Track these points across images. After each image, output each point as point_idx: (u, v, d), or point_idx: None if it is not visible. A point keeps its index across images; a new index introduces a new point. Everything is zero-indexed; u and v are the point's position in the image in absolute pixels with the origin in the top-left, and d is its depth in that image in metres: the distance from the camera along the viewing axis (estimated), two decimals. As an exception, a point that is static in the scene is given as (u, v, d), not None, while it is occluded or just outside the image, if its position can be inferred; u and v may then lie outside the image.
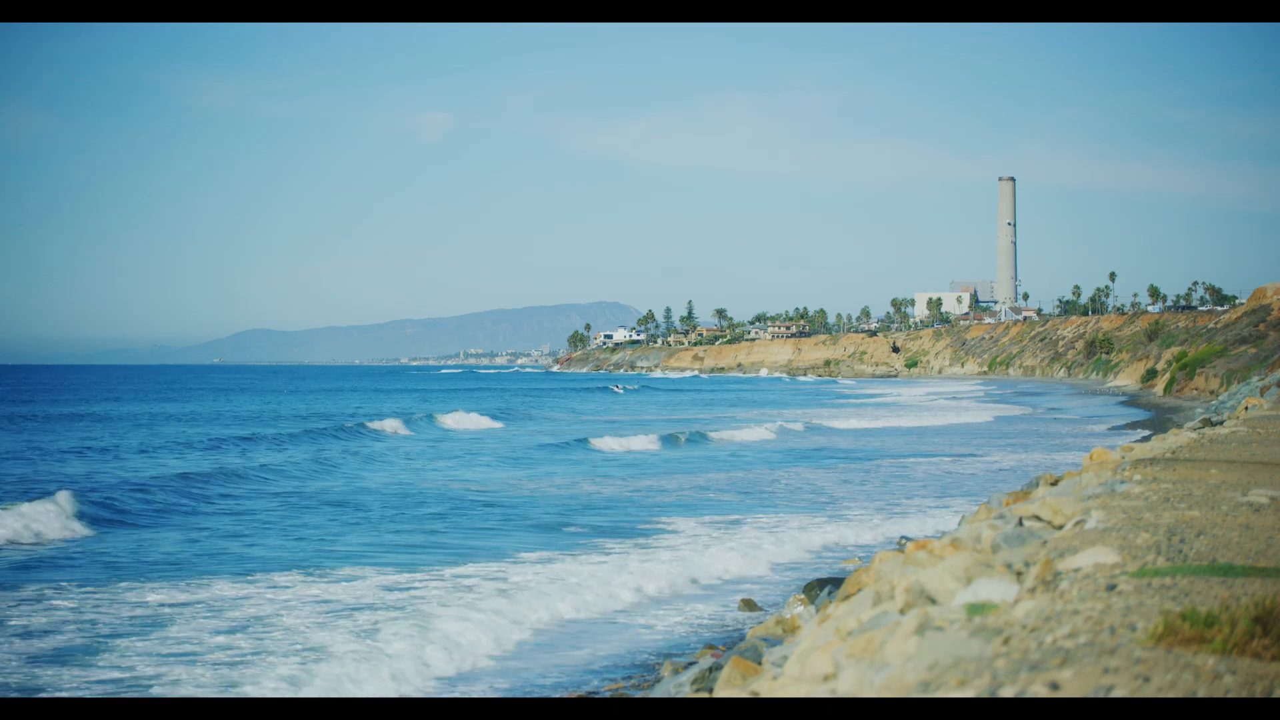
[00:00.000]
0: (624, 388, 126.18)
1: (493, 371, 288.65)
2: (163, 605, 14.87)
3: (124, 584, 16.31)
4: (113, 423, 59.13)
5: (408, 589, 15.78)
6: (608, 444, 43.10)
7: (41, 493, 23.67)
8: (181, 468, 33.09)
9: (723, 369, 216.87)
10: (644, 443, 44.16)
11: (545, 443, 44.42)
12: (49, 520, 21.20)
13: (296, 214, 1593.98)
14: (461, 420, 57.90)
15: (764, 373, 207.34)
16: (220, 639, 13.13)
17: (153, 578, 16.79)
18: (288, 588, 16.00)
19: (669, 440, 45.25)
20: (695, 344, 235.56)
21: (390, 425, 52.11)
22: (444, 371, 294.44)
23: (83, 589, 15.98)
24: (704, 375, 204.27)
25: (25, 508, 21.40)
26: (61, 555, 19.10)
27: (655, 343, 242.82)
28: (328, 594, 15.52)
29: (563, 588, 15.68)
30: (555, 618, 14.51)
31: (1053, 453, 39.05)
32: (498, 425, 57.47)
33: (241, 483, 29.80)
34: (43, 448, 41.30)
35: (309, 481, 30.65)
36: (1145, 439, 29.80)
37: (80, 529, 21.43)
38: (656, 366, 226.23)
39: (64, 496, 22.51)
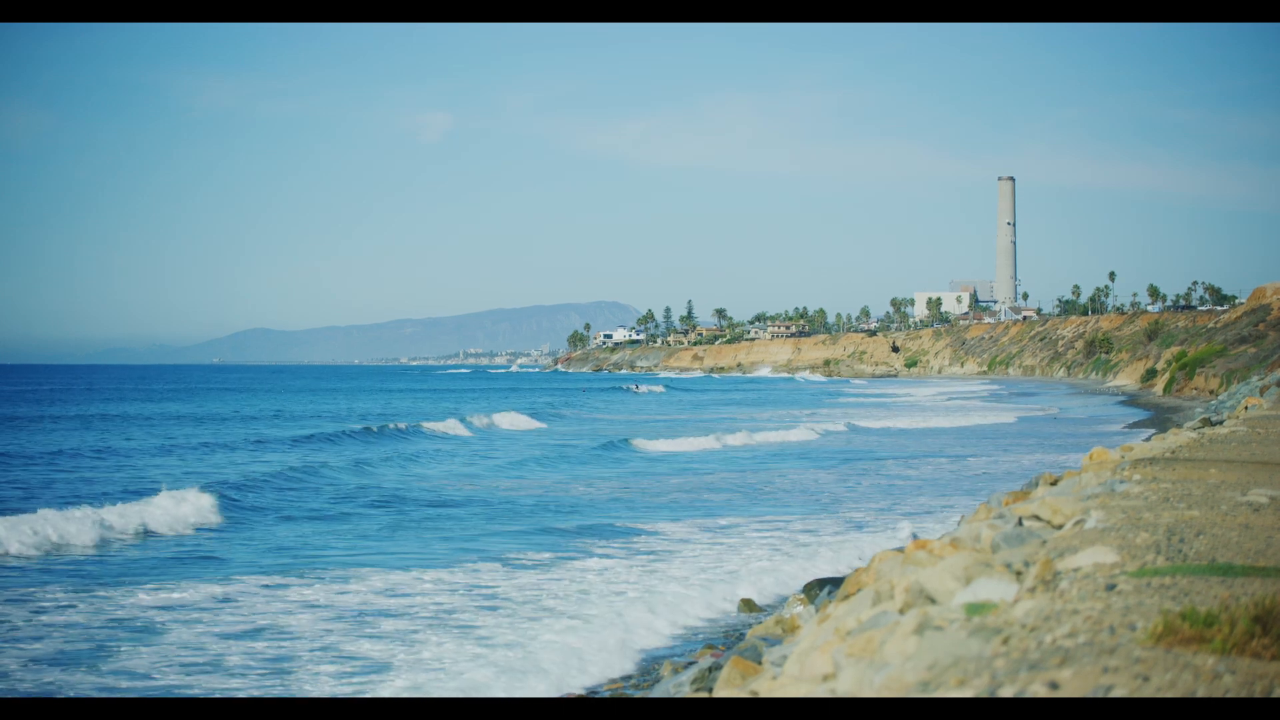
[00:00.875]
0: (644, 388, 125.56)
1: (502, 371, 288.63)
2: (367, 596, 15.58)
3: (296, 574, 17.01)
4: (166, 423, 59.59)
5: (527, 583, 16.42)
6: (658, 445, 43.29)
7: (163, 489, 24.53)
8: (276, 465, 33.86)
9: (723, 368, 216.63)
10: (693, 444, 44.29)
11: (594, 444, 44.37)
12: (188, 513, 22.55)
13: (296, 214, 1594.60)
14: (515, 421, 59.09)
15: (765, 371, 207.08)
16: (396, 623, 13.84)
17: (319, 567, 17.64)
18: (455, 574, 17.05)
19: (716, 440, 45.39)
20: (695, 344, 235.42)
21: (450, 426, 52.80)
22: (452, 371, 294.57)
23: (267, 576, 16.76)
24: (716, 375, 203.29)
25: (163, 501, 22.75)
26: (218, 545, 20.28)
27: (655, 342, 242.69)
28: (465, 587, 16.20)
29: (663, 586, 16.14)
30: (679, 621, 14.68)
31: (1083, 453, 39.28)
32: (542, 425, 58.69)
33: (345, 478, 31.07)
34: (114, 447, 42.17)
35: (401, 479, 31.52)
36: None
37: (217, 520, 22.70)
38: (656, 366, 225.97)
39: (194, 491, 23.90)
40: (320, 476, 31.08)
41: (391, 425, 51.50)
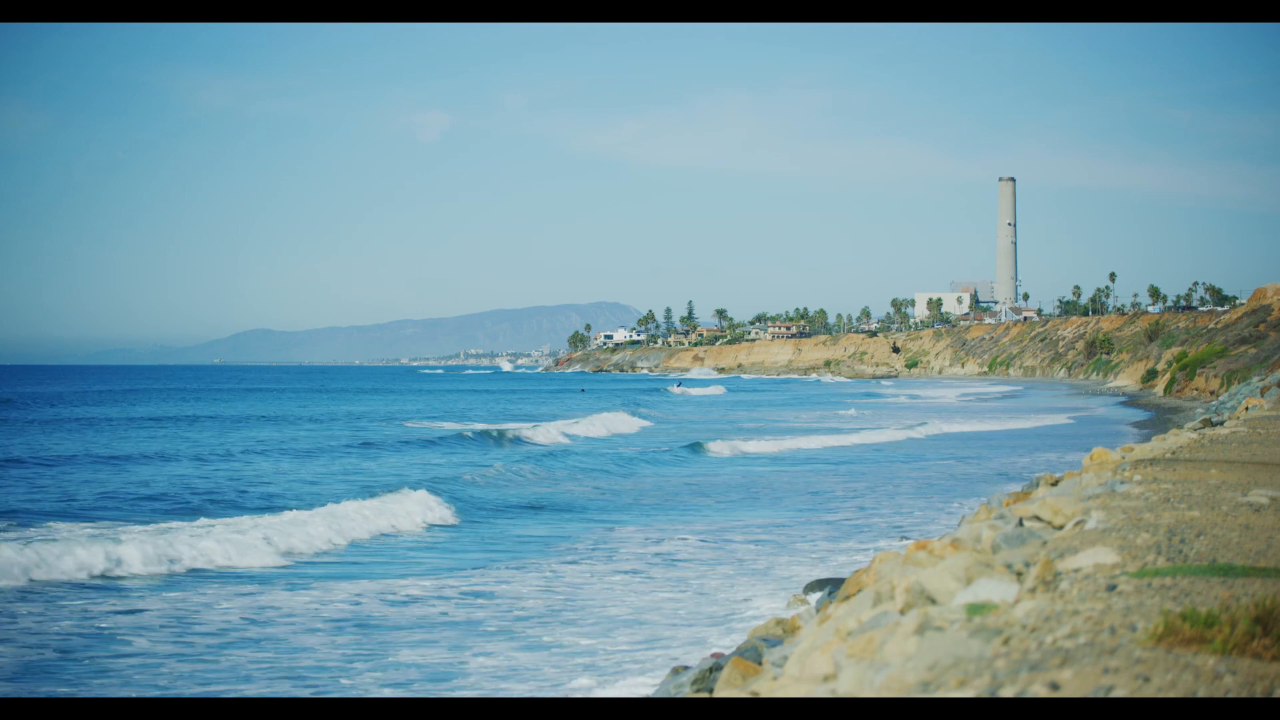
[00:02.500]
0: (686, 390, 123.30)
1: (524, 371, 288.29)
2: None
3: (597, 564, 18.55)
4: (261, 424, 59.83)
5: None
6: (756, 446, 44.01)
7: (392, 488, 25.60)
8: (460, 467, 34.29)
9: (723, 369, 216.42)
10: (811, 442, 45.60)
11: (688, 440, 45.39)
12: (426, 511, 23.63)
13: (296, 214, 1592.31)
14: (626, 422, 60.45)
15: (755, 375, 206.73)
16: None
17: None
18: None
19: (823, 440, 46.74)
20: (695, 344, 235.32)
21: (586, 427, 54.05)
22: (471, 371, 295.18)
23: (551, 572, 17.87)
24: (746, 376, 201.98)
25: (395, 502, 23.78)
26: (467, 539, 21.62)
27: (655, 343, 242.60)
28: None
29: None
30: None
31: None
32: (648, 424, 61.02)
33: (532, 476, 32.52)
34: (287, 446, 43.33)
35: (609, 473, 33.56)
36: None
37: (451, 519, 23.70)
38: (657, 367, 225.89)
39: (422, 492, 25.02)
40: (511, 476, 32.33)
41: (510, 430, 50.32)
